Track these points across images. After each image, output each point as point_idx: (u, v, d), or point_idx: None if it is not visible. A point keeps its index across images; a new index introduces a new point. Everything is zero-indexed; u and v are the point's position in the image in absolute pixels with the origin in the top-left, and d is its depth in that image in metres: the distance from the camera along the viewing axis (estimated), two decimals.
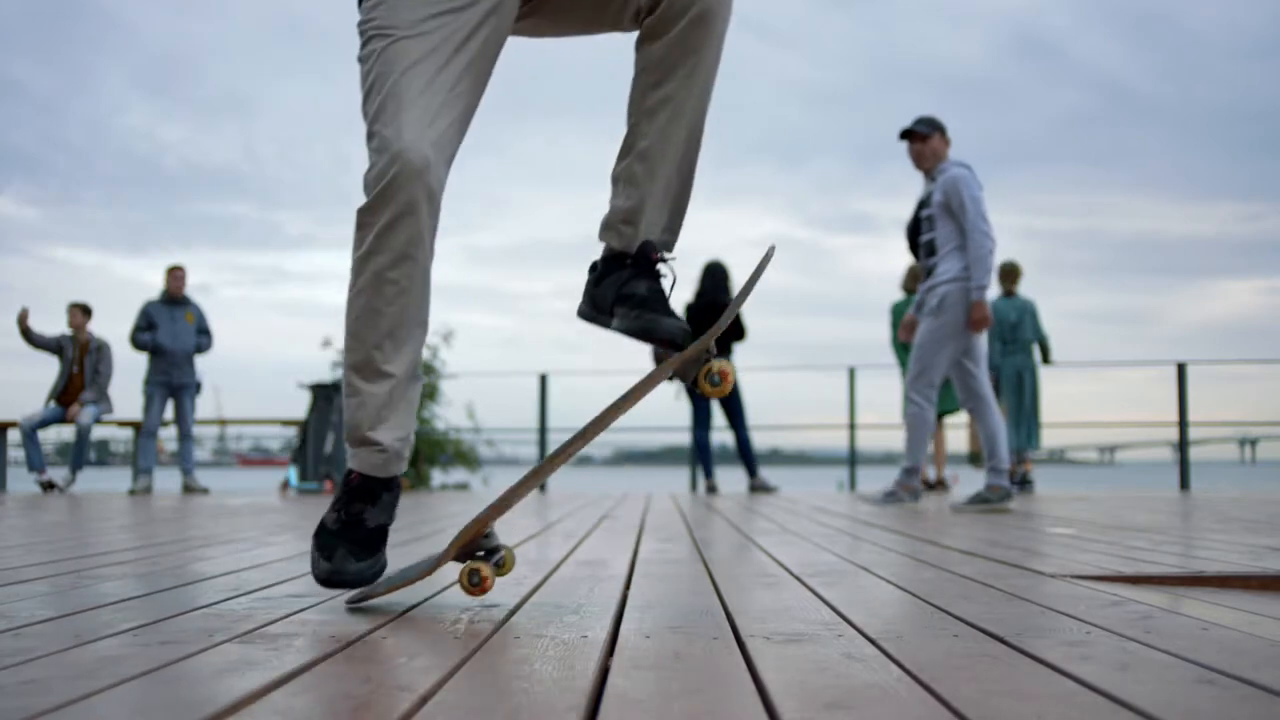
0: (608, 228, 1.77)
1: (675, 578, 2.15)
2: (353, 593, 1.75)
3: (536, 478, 1.72)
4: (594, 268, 1.80)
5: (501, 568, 1.72)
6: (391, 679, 1.09)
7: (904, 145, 5.43)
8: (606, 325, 1.77)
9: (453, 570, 2.26)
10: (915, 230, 5.61)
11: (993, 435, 5.18)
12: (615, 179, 1.76)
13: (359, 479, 1.71)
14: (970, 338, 5.23)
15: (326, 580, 1.68)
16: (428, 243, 1.64)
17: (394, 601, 1.72)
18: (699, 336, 1.68)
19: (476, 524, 1.68)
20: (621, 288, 1.73)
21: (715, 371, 1.67)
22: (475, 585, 1.63)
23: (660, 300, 1.71)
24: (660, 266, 1.74)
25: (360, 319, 1.66)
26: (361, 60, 1.68)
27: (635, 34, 1.74)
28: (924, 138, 5.34)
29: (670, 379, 1.73)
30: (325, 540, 1.71)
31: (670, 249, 1.77)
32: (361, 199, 1.61)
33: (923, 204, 5.46)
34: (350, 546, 1.68)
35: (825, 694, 1.04)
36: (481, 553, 1.70)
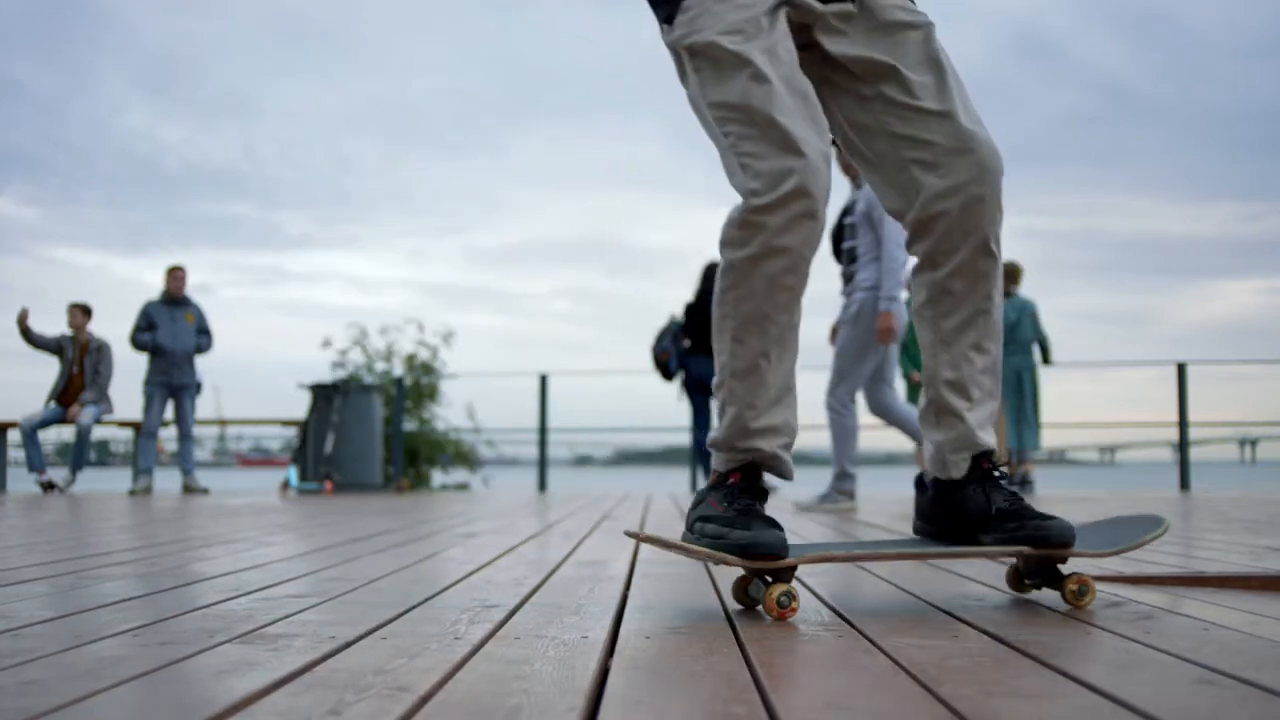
0: (939, 463, 1.76)
1: (675, 578, 2.15)
2: (663, 538, 1.68)
3: (881, 558, 1.71)
4: (924, 486, 1.81)
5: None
6: (391, 679, 1.09)
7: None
8: (968, 547, 1.73)
9: (455, 569, 2.26)
10: (839, 236, 5.65)
11: (905, 424, 5.46)
12: (923, 410, 1.76)
13: (743, 481, 1.67)
14: (886, 347, 5.29)
15: (749, 547, 1.56)
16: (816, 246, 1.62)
17: (394, 601, 1.72)
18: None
19: (820, 558, 1.65)
20: (979, 507, 1.71)
21: (1082, 583, 1.65)
22: (784, 607, 1.56)
23: (1024, 504, 1.70)
24: (994, 471, 1.74)
25: (747, 324, 1.63)
26: (710, 62, 1.63)
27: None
28: None
29: (1027, 584, 1.75)
30: (730, 520, 1.62)
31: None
32: None
33: (846, 211, 5.51)
34: (760, 523, 1.61)
35: (825, 694, 1.04)
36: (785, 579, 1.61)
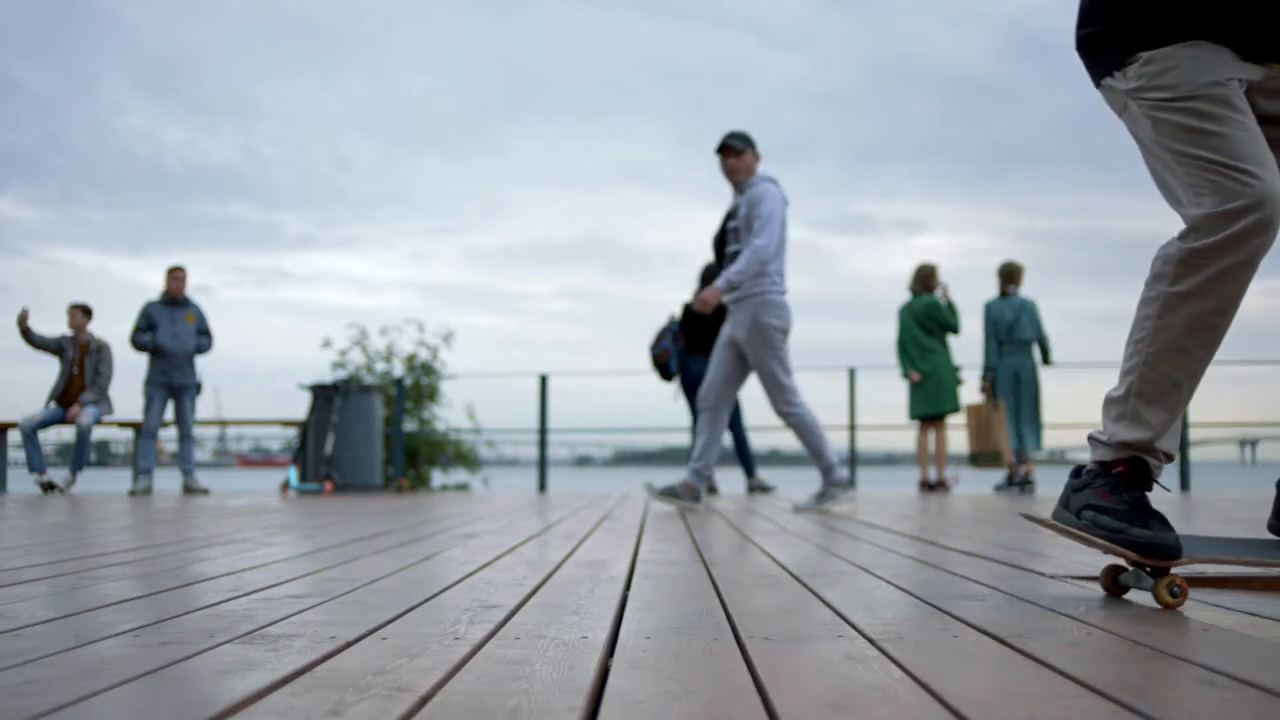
0: None
1: (675, 579, 2.15)
2: (1048, 522, 1.78)
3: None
4: None
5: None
6: (391, 679, 1.09)
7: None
8: None
9: (455, 569, 2.26)
10: (722, 241, 5.65)
11: (703, 442, 5.36)
12: None
13: (1130, 472, 1.75)
14: (785, 346, 5.22)
15: (1150, 547, 1.67)
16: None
17: (394, 601, 1.73)
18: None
19: (1206, 561, 1.70)
20: None
21: None
22: (1174, 596, 1.63)
23: None
24: None
25: (1162, 354, 1.71)
26: (1176, 110, 1.70)
27: None
28: (738, 153, 5.42)
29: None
30: (1126, 515, 1.71)
31: None
32: None
33: (730, 215, 5.51)
34: (1156, 521, 1.70)
35: (825, 694, 1.04)
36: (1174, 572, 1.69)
